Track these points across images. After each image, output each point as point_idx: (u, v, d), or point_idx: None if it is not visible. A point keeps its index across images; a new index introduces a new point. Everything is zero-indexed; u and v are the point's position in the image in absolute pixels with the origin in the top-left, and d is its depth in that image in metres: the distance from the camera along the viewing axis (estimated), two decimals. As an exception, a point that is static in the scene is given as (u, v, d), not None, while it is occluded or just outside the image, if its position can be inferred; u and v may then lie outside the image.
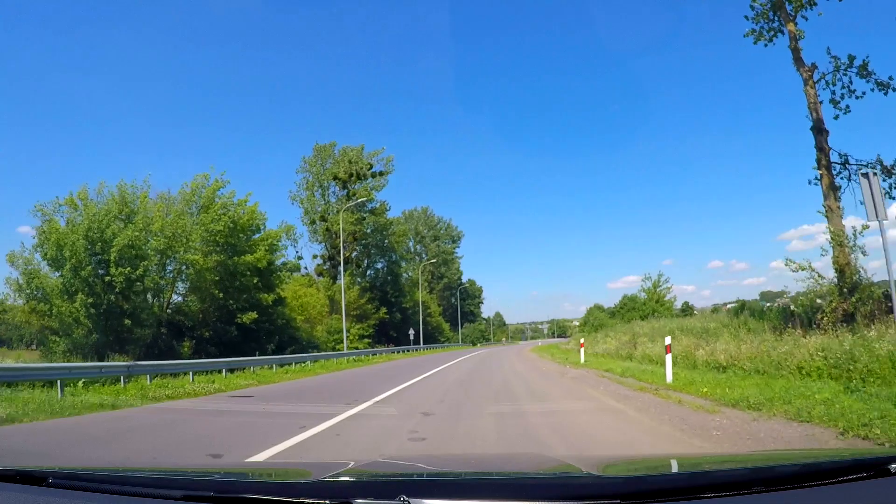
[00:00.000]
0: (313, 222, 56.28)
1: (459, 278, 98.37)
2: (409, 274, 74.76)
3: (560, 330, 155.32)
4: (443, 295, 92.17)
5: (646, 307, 46.75)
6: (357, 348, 41.54)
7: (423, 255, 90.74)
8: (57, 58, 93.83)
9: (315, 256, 58.05)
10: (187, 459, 5.89)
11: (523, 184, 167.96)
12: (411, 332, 54.27)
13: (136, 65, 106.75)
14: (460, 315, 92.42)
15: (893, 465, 1.57)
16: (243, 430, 7.87)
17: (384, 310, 55.24)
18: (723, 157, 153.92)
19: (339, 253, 49.53)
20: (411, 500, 1.42)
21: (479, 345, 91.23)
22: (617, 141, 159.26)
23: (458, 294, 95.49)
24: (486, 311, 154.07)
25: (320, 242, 57.23)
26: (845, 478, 1.55)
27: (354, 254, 57.64)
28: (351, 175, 56.41)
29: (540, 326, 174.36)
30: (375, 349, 43.71)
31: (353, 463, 2.24)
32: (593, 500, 1.45)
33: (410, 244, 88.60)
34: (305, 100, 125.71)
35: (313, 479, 1.69)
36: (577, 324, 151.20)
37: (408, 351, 49.83)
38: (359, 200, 53.29)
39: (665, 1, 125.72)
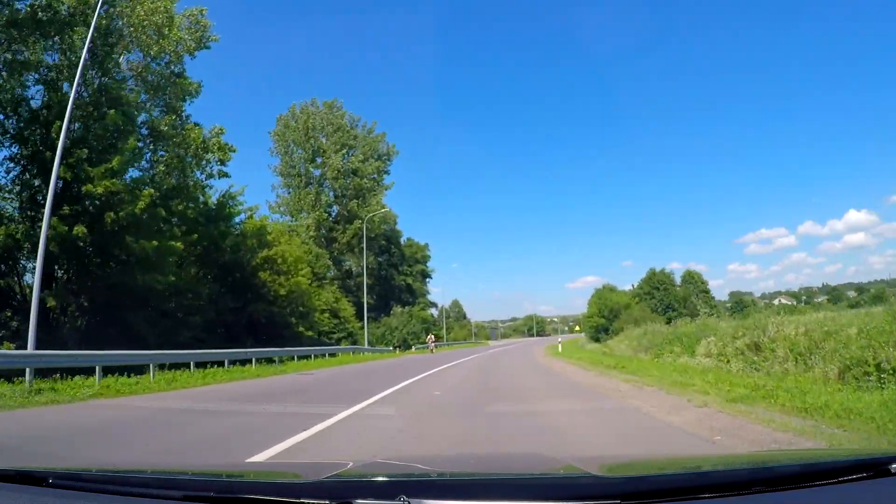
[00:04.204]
0: None
1: (385, 221, 55.71)
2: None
3: (538, 326, 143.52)
4: (356, 252, 50.80)
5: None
6: None
7: (325, 186, 52.49)
8: None
9: None
10: None
11: (485, 183, 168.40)
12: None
13: None
14: (366, 277, 43.64)
15: (893, 465, 1.57)
16: None
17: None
18: (683, 160, 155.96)
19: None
20: (412, 500, 1.42)
21: (416, 348, 49.40)
22: (578, 143, 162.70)
23: (364, 230, 44.81)
24: (440, 296, 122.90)
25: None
26: (845, 478, 1.55)
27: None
28: None
29: (502, 325, 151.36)
30: None
31: (353, 463, 2.24)
32: (593, 500, 1.45)
33: (300, 164, 51.86)
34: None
35: (313, 480, 1.69)
36: (557, 319, 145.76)
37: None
38: None
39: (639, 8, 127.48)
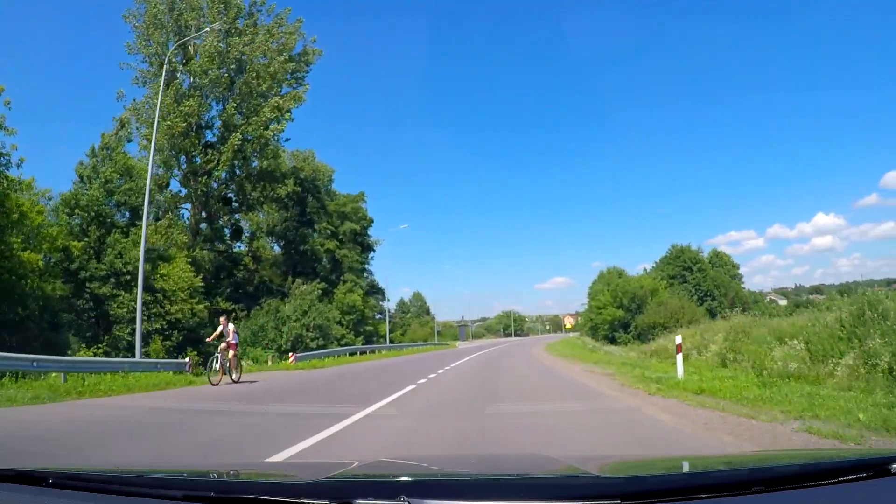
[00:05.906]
0: None
1: (275, 135, 32.25)
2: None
3: (516, 324, 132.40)
4: (255, 204, 35.24)
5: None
6: None
7: (203, 91, 31.22)
8: None
9: None
10: None
11: (458, 180, 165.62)
12: None
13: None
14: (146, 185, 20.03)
15: (894, 466, 1.57)
16: None
17: None
18: (654, 162, 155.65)
19: None
20: (412, 500, 1.42)
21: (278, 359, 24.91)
22: (550, 146, 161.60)
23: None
24: (405, 293, 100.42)
25: None
26: (845, 478, 1.55)
27: None
28: None
29: (472, 324, 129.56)
30: None
31: (354, 463, 2.25)
32: (594, 500, 1.45)
33: (165, 60, 25.39)
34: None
35: (314, 480, 1.69)
36: (531, 319, 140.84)
37: None
38: None
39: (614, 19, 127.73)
